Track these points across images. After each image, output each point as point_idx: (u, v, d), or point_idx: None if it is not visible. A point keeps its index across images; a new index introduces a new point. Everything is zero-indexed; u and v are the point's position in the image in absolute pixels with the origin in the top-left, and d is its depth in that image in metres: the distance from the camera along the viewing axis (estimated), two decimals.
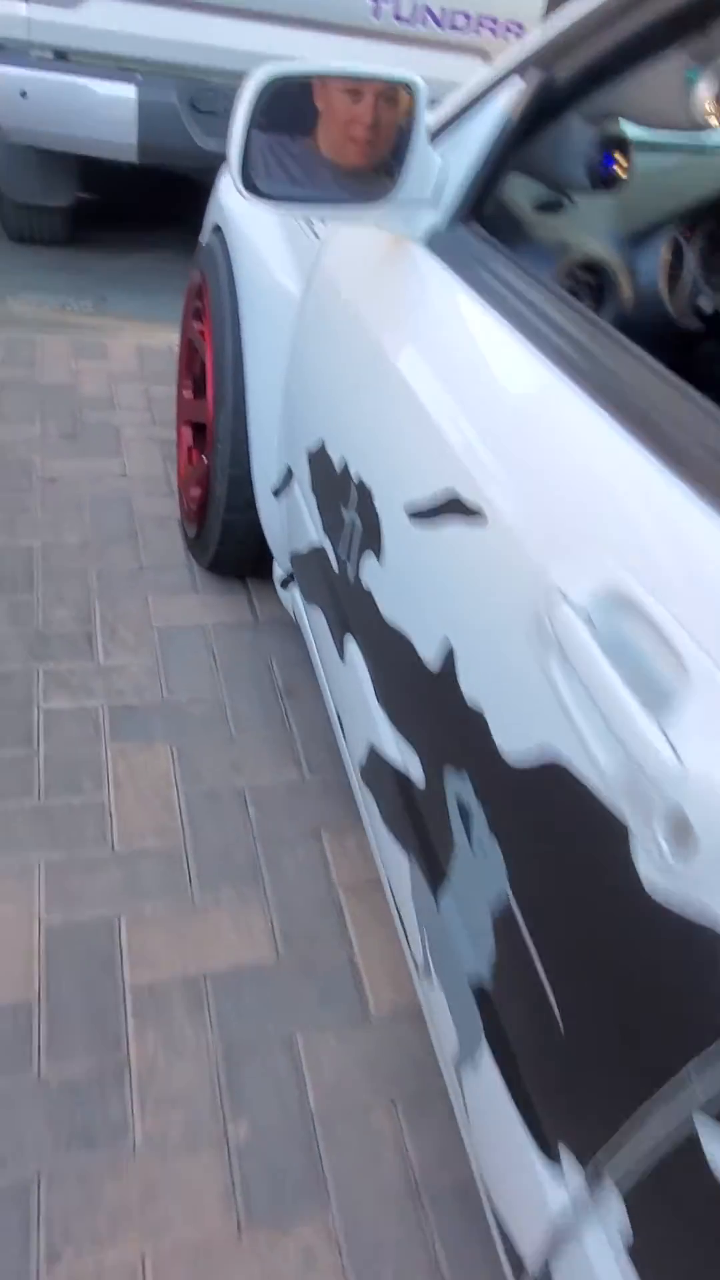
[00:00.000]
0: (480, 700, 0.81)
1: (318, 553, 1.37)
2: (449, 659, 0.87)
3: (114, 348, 3.39)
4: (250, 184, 1.04)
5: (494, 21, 3.58)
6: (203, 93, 3.47)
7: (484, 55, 3.64)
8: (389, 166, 1.08)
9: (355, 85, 1.09)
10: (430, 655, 0.92)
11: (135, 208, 4.85)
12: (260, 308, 1.68)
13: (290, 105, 1.06)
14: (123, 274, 4.12)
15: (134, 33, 3.33)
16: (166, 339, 3.50)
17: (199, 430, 2.30)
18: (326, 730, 1.83)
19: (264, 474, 1.74)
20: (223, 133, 3.55)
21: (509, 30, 3.61)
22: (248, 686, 1.93)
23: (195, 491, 2.22)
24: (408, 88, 1.05)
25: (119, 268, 4.19)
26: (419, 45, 3.57)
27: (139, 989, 1.38)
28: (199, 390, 2.31)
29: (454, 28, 3.56)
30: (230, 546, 2.01)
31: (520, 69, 1.06)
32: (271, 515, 1.75)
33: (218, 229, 2.05)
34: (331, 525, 1.27)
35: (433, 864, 0.92)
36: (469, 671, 0.84)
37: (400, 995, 1.43)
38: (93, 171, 3.88)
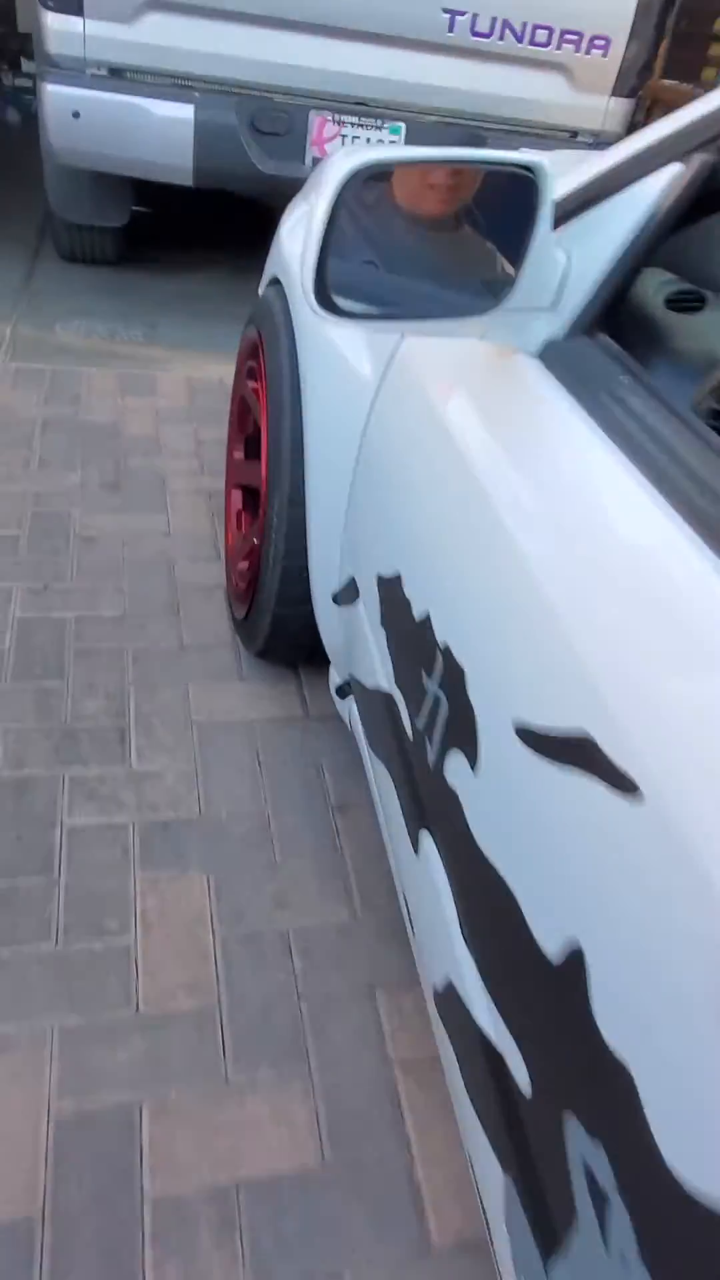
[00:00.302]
0: (628, 1053, 0.59)
1: (386, 701, 1.15)
2: (576, 963, 0.65)
3: (163, 382, 3.20)
4: (327, 301, 0.82)
5: (578, 36, 3.33)
6: (263, 112, 3.27)
7: (567, 73, 3.40)
8: (498, 268, 0.86)
9: (461, 172, 0.87)
10: (546, 940, 0.69)
11: (187, 221, 4.68)
12: (325, 385, 1.47)
13: (379, 200, 0.84)
14: (173, 297, 3.94)
15: (193, 49, 3.14)
16: (217, 372, 3.31)
17: (251, 494, 2.10)
18: (381, 857, 1.61)
19: (323, 572, 1.52)
20: (283, 154, 3.33)
21: (594, 45, 3.35)
22: (295, 798, 1.72)
23: (243, 566, 2.01)
24: (530, 172, 0.82)
25: (169, 290, 4.01)
26: (497, 61, 3.33)
27: (160, 1204, 1.17)
28: (252, 452, 2.10)
29: (535, 43, 3.31)
30: (281, 640, 1.80)
31: (681, 153, 0.83)
32: (330, 620, 1.54)
33: (277, 282, 1.85)
34: (408, 684, 1.05)
35: (541, 1216, 0.70)
36: (608, 1001, 0.61)
37: (466, 1221, 1.20)
38: (146, 184, 3.70)
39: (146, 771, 1.72)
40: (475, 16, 3.23)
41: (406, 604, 1.05)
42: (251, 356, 1.97)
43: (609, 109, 3.52)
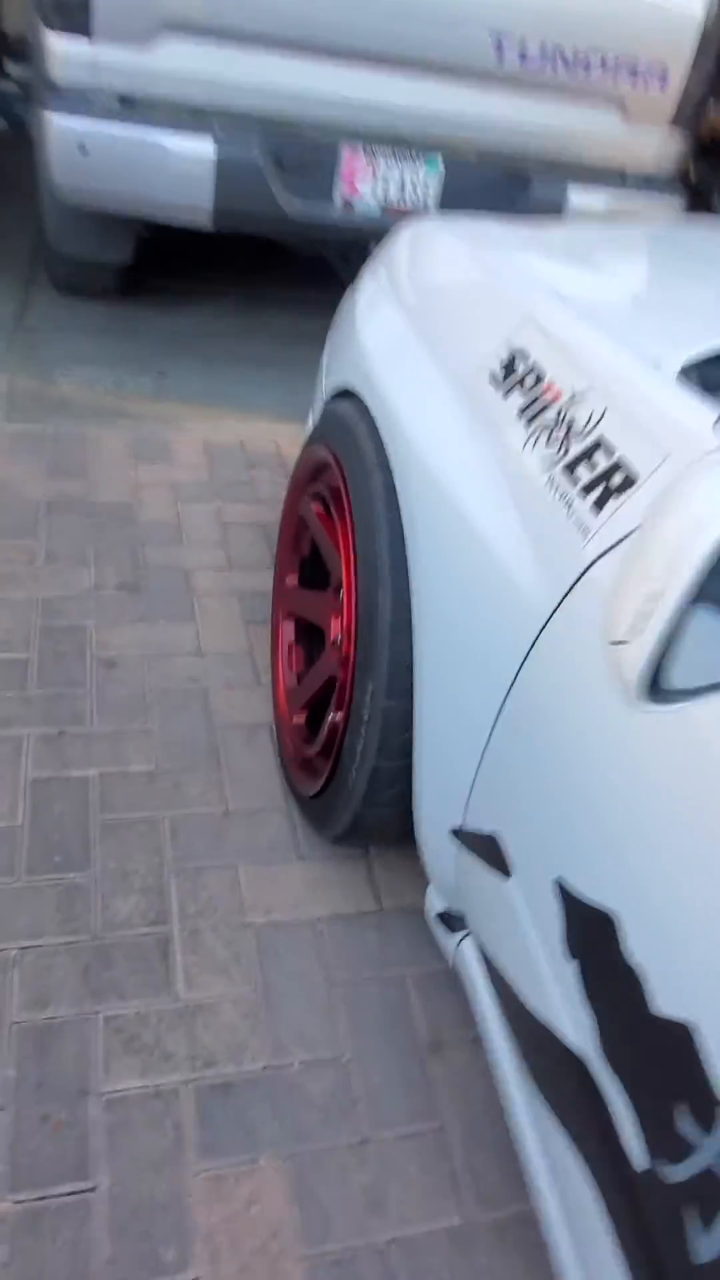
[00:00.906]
0: None
1: (575, 1065, 0.83)
2: None
3: (178, 446, 2.86)
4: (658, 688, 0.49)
5: (635, 65, 3.00)
6: (289, 146, 2.93)
7: (620, 106, 3.07)
8: None
9: None
10: None
11: (189, 241, 4.32)
12: (453, 579, 1.13)
13: None
14: (182, 337, 3.59)
15: (214, 76, 2.79)
16: (235, 433, 2.97)
17: (308, 629, 1.78)
18: (486, 1111, 1.30)
19: (439, 797, 1.20)
20: (311, 193, 2.95)
21: (651, 76, 3.03)
22: (378, 1033, 1.40)
23: (300, 721, 1.69)
24: None
25: (177, 329, 3.67)
26: (545, 92, 3.00)
27: None
28: (310, 577, 1.77)
29: (587, 71, 2.99)
30: (364, 834, 1.48)
31: None
32: (440, 845, 1.22)
33: (349, 395, 1.51)
34: (635, 1081, 0.73)
35: None
36: None
37: None
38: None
39: (197, 1003, 1.39)
40: (524, 42, 2.90)
41: (632, 976, 0.73)
42: (315, 478, 1.64)
43: (662, 147, 3.21)
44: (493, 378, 1.14)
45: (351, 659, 1.36)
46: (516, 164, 3.12)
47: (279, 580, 1.85)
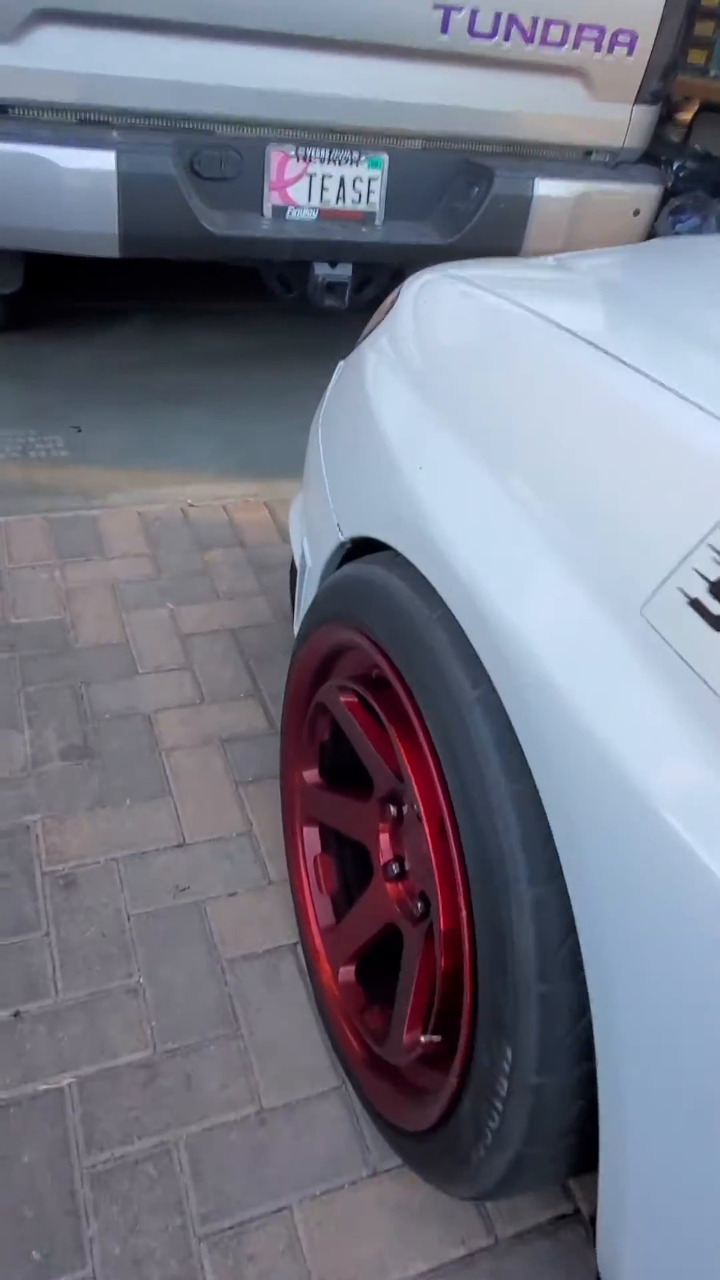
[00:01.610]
0: None
1: None
2: None
3: (109, 527, 2.33)
4: None
5: (599, 32, 2.54)
6: (207, 152, 2.39)
7: (585, 78, 2.61)
8: None
9: None
10: None
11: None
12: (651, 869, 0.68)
13: None
14: (91, 375, 3.03)
15: (105, 72, 2.23)
16: (174, 499, 2.46)
17: (343, 842, 1.31)
18: None
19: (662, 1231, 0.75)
20: (234, 204, 2.30)
21: (617, 43, 2.57)
22: None
23: (348, 975, 1.22)
24: None
25: (84, 361, 3.10)
26: (501, 69, 2.52)
27: None
28: (336, 769, 1.30)
29: (547, 42, 2.51)
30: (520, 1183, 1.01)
31: None
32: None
33: (387, 551, 1.03)
34: None
35: None
36: None
37: None
38: None
39: None
40: (475, 14, 2.40)
41: None
42: (334, 661, 1.17)
43: (632, 120, 2.76)
44: (693, 603, 0.69)
45: (467, 960, 0.89)
46: (473, 154, 2.63)
47: (291, 773, 1.37)
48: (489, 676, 0.84)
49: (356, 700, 1.12)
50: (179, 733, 1.76)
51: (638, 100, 2.72)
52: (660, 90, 2.75)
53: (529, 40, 2.49)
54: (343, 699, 1.14)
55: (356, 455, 1.16)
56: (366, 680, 1.11)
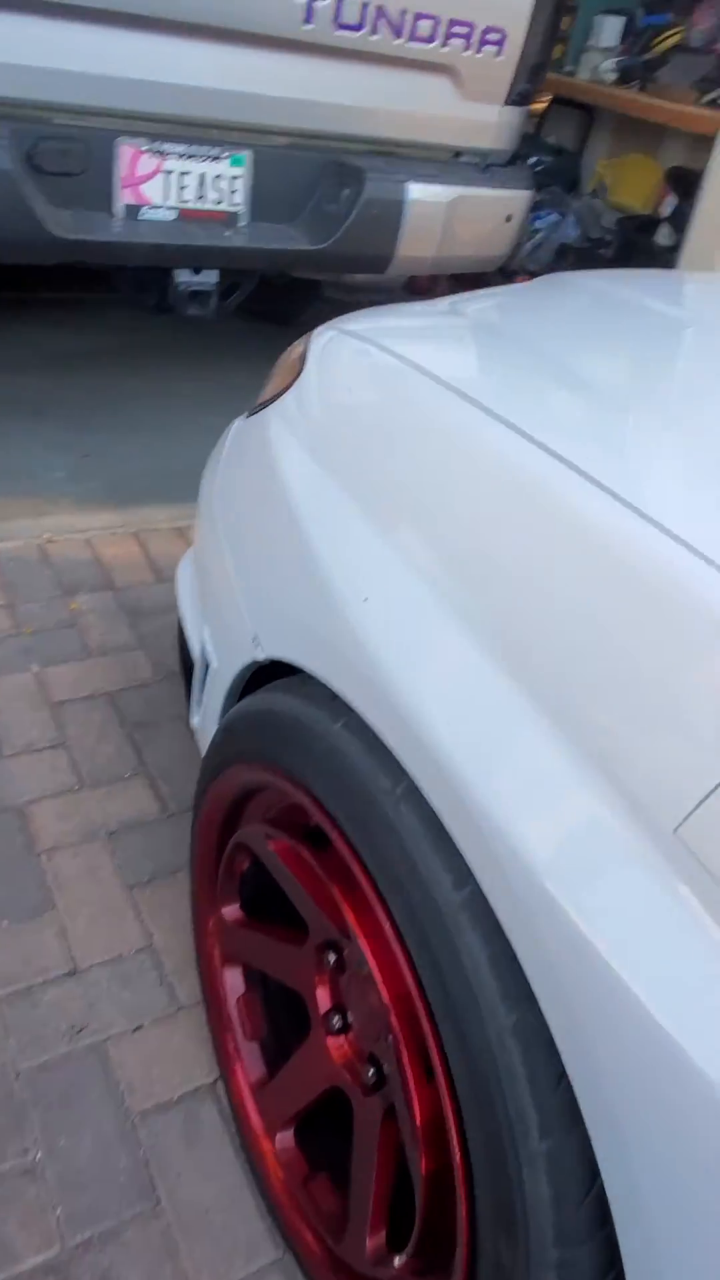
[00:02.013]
0: None
1: None
2: None
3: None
4: None
5: (469, 29, 2.40)
6: (48, 146, 2.10)
7: (455, 76, 2.47)
8: None
9: None
10: None
11: None
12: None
13: None
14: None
15: None
16: (27, 533, 2.19)
17: (272, 987, 1.15)
18: None
19: None
20: (80, 202, 2.01)
21: (487, 41, 2.44)
22: None
23: (283, 1144, 1.08)
24: None
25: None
26: (369, 63, 2.34)
27: None
28: (260, 903, 1.14)
29: (417, 38, 2.35)
30: None
31: None
32: None
33: (347, 709, 0.87)
34: None
35: None
36: None
37: None
38: None
39: None
40: (340, 3, 2.21)
41: None
42: (246, 802, 1.00)
43: (501, 121, 2.64)
44: None
45: (459, 1169, 0.76)
46: (342, 154, 2.45)
47: (205, 914, 1.18)
48: (476, 877, 0.70)
49: (288, 845, 0.96)
50: (57, 829, 1.55)
51: (507, 101, 2.60)
52: (528, 91, 2.64)
53: (398, 34, 2.32)
54: (272, 845, 0.98)
55: (277, 562, 0.98)
56: (301, 826, 0.95)
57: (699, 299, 1.39)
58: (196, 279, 2.42)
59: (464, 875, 0.71)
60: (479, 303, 1.28)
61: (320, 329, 1.16)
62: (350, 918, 0.87)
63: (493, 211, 2.67)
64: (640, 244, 3.57)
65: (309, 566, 0.91)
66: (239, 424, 1.26)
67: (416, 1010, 0.77)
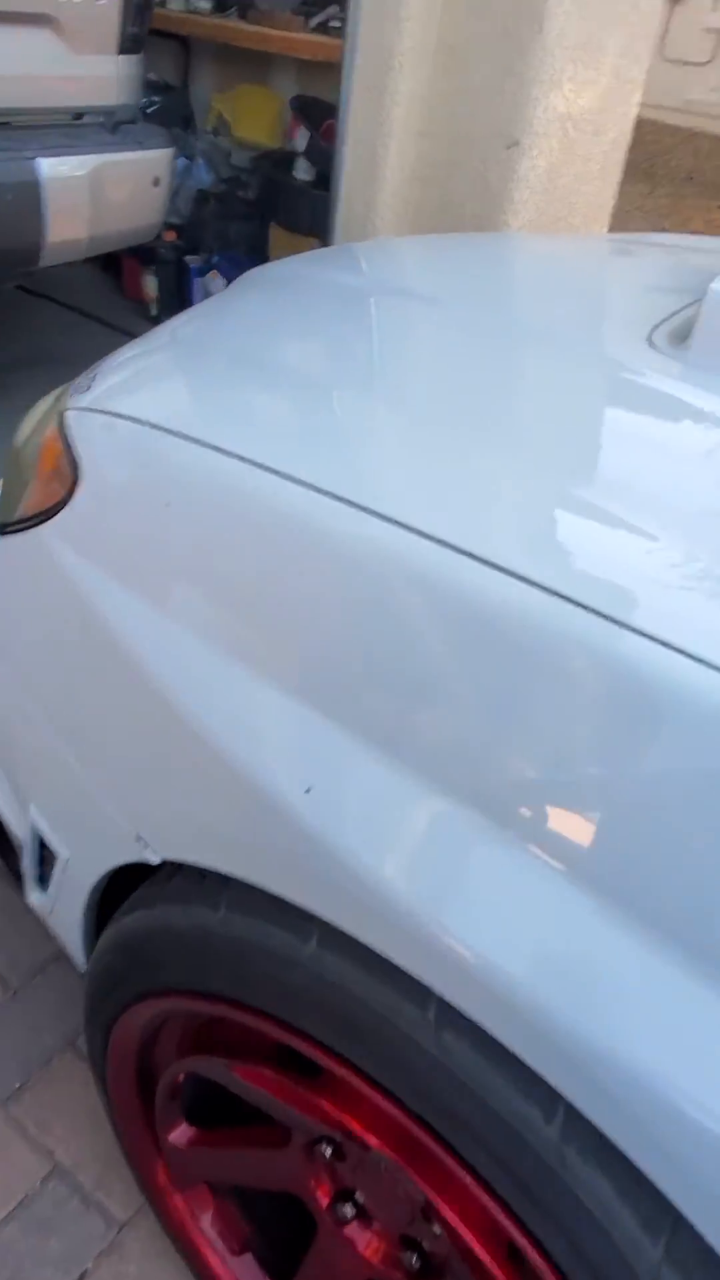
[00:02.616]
0: None
1: None
2: None
3: None
4: None
5: None
6: None
7: (56, 26, 2.13)
8: None
9: None
10: None
11: None
12: None
13: None
14: None
15: None
16: None
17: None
18: None
19: None
20: None
21: None
22: None
23: None
24: None
25: None
26: None
27: None
28: (210, 1111, 0.95)
29: None
30: None
31: None
32: None
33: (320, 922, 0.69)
34: None
35: None
36: None
37: None
38: None
39: None
40: None
41: None
42: (155, 1036, 0.81)
43: (120, 73, 2.34)
44: None
45: None
46: None
47: (144, 1154, 0.96)
48: (575, 1107, 0.58)
49: (268, 1076, 0.78)
50: None
51: (120, 50, 2.30)
52: (139, 35, 2.35)
53: None
54: (239, 1074, 0.79)
55: (143, 745, 0.77)
56: (272, 1045, 0.78)
57: (410, 270, 1.29)
58: None
59: (551, 1102, 0.59)
60: (206, 326, 1.09)
61: (73, 414, 0.91)
62: (373, 1141, 0.72)
63: (139, 176, 2.39)
64: (280, 181, 3.40)
65: (200, 752, 0.71)
66: None
67: (480, 1203, 0.65)
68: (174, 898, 0.77)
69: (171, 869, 0.80)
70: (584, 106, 2.26)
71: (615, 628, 0.55)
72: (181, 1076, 0.87)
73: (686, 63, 8.42)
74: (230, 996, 0.73)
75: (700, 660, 0.53)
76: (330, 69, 2.60)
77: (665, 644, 0.54)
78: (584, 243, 1.80)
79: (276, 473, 0.71)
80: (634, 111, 2.42)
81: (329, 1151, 0.84)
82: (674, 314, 1.01)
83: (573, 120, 2.25)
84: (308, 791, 0.65)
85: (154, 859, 0.78)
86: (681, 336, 0.94)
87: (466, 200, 2.36)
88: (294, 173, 3.40)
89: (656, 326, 0.96)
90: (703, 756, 0.52)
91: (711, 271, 1.05)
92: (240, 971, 0.71)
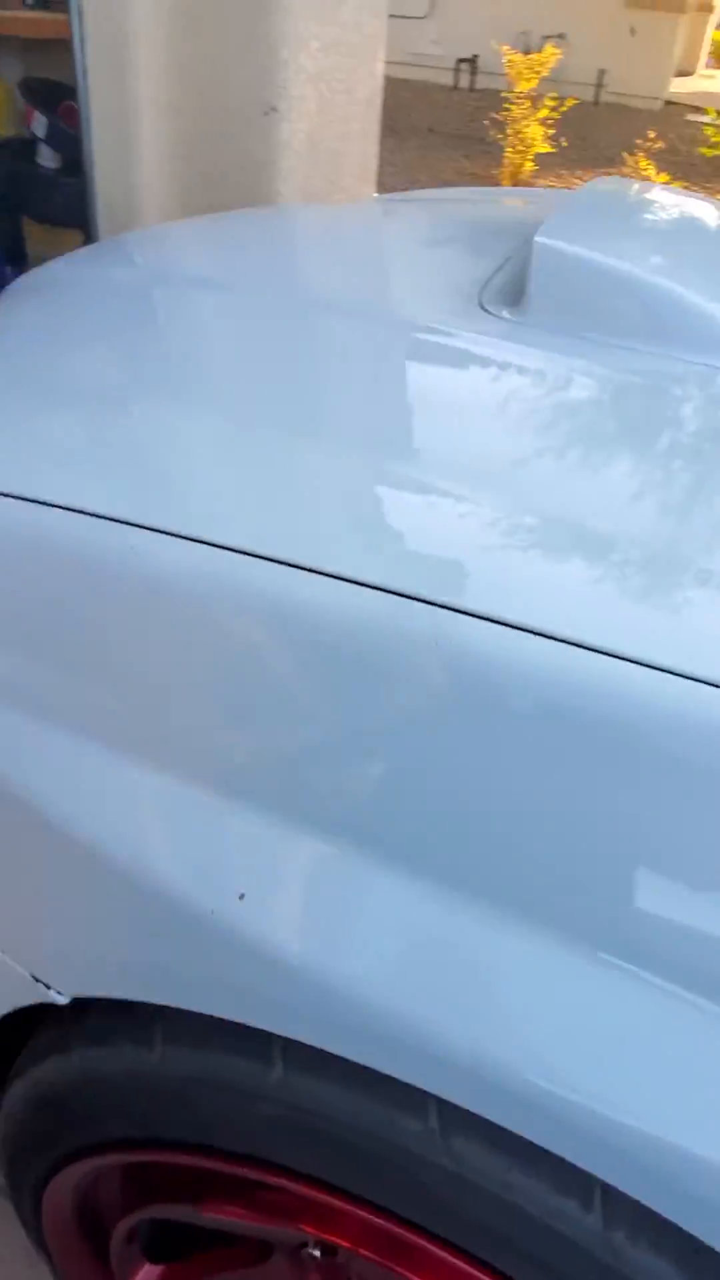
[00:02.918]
0: None
1: None
2: None
3: None
4: None
5: None
6: None
7: None
8: None
9: None
10: None
11: None
12: None
13: None
14: None
15: None
16: None
17: None
18: None
19: None
20: None
21: None
22: None
23: None
24: None
25: None
26: None
27: None
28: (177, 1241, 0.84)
29: None
30: None
31: None
32: None
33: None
34: None
35: None
36: None
37: None
38: None
39: None
40: None
41: None
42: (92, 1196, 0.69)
43: None
44: None
45: None
46: None
47: None
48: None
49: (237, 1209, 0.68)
50: None
51: None
52: None
53: None
54: (208, 1213, 0.68)
55: (11, 865, 0.63)
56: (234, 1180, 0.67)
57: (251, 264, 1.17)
58: None
59: (585, 1190, 0.52)
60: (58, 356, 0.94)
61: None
62: (367, 1253, 0.63)
63: None
64: (24, 172, 3.12)
65: (80, 859, 0.59)
66: None
67: None
68: (95, 1038, 0.65)
69: (82, 1003, 0.67)
70: (332, 65, 2.17)
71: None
72: (137, 1226, 0.75)
73: (407, 16, 8.50)
74: (186, 1143, 0.62)
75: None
76: (59, 46, 2.38)
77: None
78: (369, 208, 1.72)
79: (65, 508, 0.59)
80: (381, 68, 2.36)
81: (318, 1252, 0.75)
82: (496, 273, 0.95)
83: (325, 80, 2.17)
84: (241, 898, 0.54)
85: (61, 999, 0.65)
86: (511, 296, 0.87)
87: (232, 172, 2.23)
88: (38, 161, 3.13)
89: (483, 289, 0.89)
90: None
91: (512, 224, 1.00)
92: (192, 1115, 0.60)
